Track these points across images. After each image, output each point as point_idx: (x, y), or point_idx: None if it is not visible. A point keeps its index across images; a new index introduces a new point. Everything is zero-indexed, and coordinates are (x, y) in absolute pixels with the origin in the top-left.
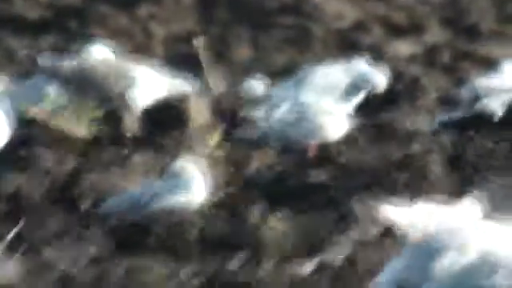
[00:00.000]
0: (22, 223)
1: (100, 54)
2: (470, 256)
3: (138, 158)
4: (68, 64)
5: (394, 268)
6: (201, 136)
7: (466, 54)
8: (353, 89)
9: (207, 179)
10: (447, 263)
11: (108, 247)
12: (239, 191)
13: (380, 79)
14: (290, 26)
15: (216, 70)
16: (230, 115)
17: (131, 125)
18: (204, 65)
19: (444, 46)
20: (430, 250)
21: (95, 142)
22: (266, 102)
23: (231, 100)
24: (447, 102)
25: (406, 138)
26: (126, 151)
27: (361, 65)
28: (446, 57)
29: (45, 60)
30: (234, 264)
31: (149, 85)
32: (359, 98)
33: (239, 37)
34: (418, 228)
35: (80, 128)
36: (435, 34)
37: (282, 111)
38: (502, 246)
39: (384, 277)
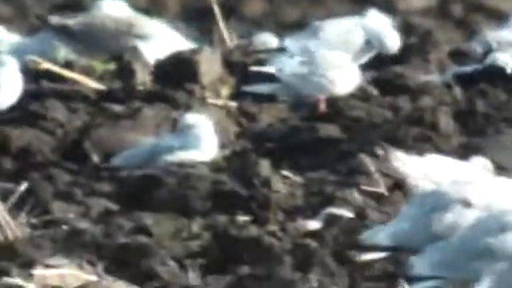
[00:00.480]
0: (31, 178)
1: (112, 8)
2: (477, 211)
3: (149, 112)
4: (78, 21)
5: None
6: (212, 89)
7: (478, 7)
8: (365, 44)
9: (218, 133)
10: (453, 218)
11: (118, 201)
12: (250, 145)
13: (393, 41)
14: None
15: (228, 23)
16: (241, 69)
17: (143, 78)
18: (216, 19)
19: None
20: (437, 203)
21: (106, 97)
22: (277, 55)
23: (243, 54)
24: (459, 55)
25: (417, 92)
26: (137, 104)
27: (374, 23)
28: (457, 10)
29: (55, 18)
30: (243, 218)
31: (161, 38)
32: (370, 53)
33: None
34: (428, 181)
35: (91, 81)
36: None
37: (293, 65)
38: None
39: (386, 231)
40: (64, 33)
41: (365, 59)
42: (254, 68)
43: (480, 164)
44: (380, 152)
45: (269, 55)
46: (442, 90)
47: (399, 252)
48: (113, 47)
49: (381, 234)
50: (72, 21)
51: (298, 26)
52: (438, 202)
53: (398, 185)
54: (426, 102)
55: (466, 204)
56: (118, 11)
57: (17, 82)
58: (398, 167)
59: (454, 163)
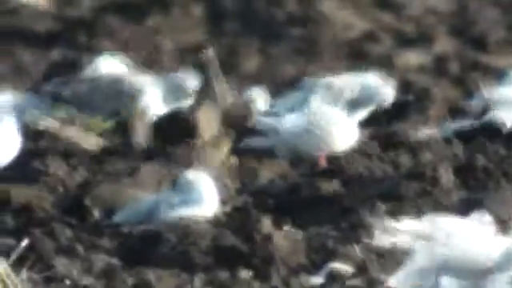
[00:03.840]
0: (32, 235)
1: (109, 66)
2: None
3: (148, 169)
4: (71, 88)
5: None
6: (211, 147)
7: (475, 64)
8: (362, 100)
9: (218, 190)
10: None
11: (119, 258)
12: (250, 201)
13: (388, 93)
14: (298, 37)
15: (225, 80)
16: (239, 126)
17: (141, 136)
18: (213, 76)
19: (453, 56)
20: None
21: (106, 153)
22: (275, 112)
23: (240, 111)
24: (457, 112)
25: (417, 148)
26: (136, 162)
27: (369, 77)
28: (455, 67)
29: (48, 87)
30: (245, 274)
31: (158, 96)
32: (368, 108)
33: (248, 48)
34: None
35: (90, 139)
36: (444, 44)
37: (292, 122)
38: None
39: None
40: (57, 100)
41: (363, 114)
42: (252, 125)
43: (481, 219)
44: (380, 209)
45: (267, 112)
46: (442, 146)
47: None
48: (109, 107)
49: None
50: (64, 89)
51: (295, 82)
52: (439, 262)
53: (400, 241)
54: (426, 157)
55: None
56: (114, 68)
57: (14, 140)
58: (386, 238)
59: (455, 221)
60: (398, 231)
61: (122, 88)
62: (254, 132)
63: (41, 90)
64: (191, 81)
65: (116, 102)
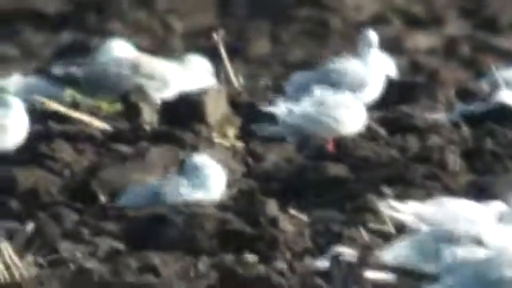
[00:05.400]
0: (38, 218)
1: (119, 49)
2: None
3: (156, 152)
4: (80, 69)
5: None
6: (219, 129)
7: (485, 47)
8: (370, 82)
9: (225, 172)
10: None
11: (124, 241)
12: (257, 184)
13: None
14: (308, 19)
15: (235, 63)
16: (248, 109)
17: (149, 118)
18: (223, 59)
19: (463, 39)
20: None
21: (113, 137)
22: (284, 95)
23: (250, 94)
24: (466, 94)
25: (425, 131)
26: (144, 145)
27: (377, 59)
28: (465, 49)
29: (57, 69)
30: (250, 258)
31: (167, 79)
32: (377, 91)
33: (258, 31)
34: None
35: (97, 123)
36: (454, 27)
37: (301, 105)
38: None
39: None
40: (68, 80)
41: (372, 97)
42: (263, 108)
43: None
44: (387, 191)
45: (275, 95)
46: (450, 129)
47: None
48: (118, 89)
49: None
50: (75, 69)
51: (305, 65)
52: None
53: (405, 224)
54: (434, 140)
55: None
56: (124, 52)
57: (23, 124)
58: (391, 216)
59: (461, 204)
60: (405, 213)
61: (129, 72)
62: (261, 116)
63: (49, 72)
64: (203, 64)
65: (123, 85)
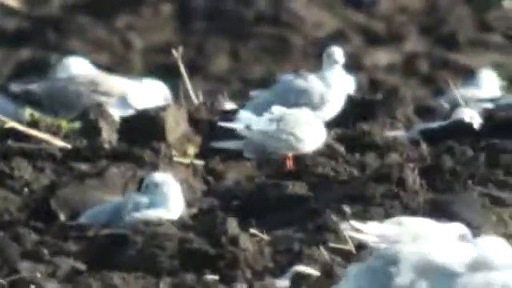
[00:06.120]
0: None
1: (78, 66)
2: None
3: (115, 170)
4: (40, 86)
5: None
6: (179, 147)
7: (445, 63)
8: (331, 100)
9: (185, 191)
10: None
11: (84, 261)
12: (217, 203)
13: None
14: (268, 36)
15: (194, 80)
16: (207, 126)
17: (109, 136)
18: (182, 75)
19: (422, 55)
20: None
21: (72, 155)
22: (243, 112)
23: (209, 111)
24: (425, 111)
25: (384, 149)
26: (103, 163)
27: (338, 76)
28: (424, 66)
29: (16, 86)
30: (211, 277)
31: (126, 96)
32: (337, 108)
33: (217, 47)
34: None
35: (57, 140)
36: (414, 43)
37: (260, 122)
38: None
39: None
40: (25, 99)
41: (331, 114)
42: (222, 124)
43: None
44: (347, 210)
45: (235, 112)
46: (409, 147)
47: None
48: (76, 107)
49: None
50: (34, 86)
51: (264, 82)
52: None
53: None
54: (393, 158)
55: (421, 272)
56: (83, 70)
57: None
58: (351, 236)
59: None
60: (365, 233)
61: (89, 90)
62: (221, 134)
63: (7, 90)
64: (161, 88)
65: (82, 103)
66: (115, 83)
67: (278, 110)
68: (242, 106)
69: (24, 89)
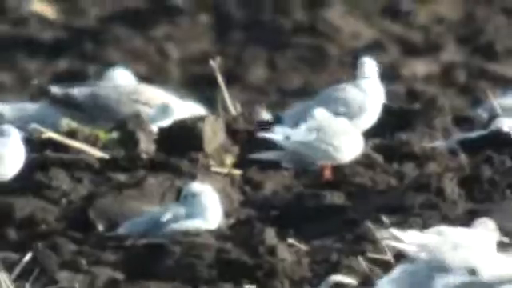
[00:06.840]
0: (36, 248)
1: (117, 77)
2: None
3: (153, 180)
4: (82, 90)
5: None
6: (216, 158)
7: (482, 73)
8: (368, 109)
9: (223, 201)
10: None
11: (122, 271)
12: (255, 213)
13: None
14: (305, 46)
15: (232, 90)
16: (245, 136)
17: (147, 147)
18: (220, 85)
19: (460, 65)
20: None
21: (110, 166)
22: (281, 123)
23: (247, 121)
24: (463, 121)
25: (423, 158)
26: (141, 173)
27: (372, 84)
28: (462, 76)
29: (56, 88)
30: (249, 287)
31: (164, 107)
32: (375, 118)
33: (255, 57)
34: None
35: (95, 150)
36: (451, 53)
37: (300, 132)
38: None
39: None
40: (66, 102)
41: (369, 124)
42: (260, 135)
43: (484, 226)
44: (385, 220)
45: (273, 122)
46: (448, 157)
47: None
48: (117, 116)
49: None
50: (76, 90)
51: (302, 92)
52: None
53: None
54: (432, 168)
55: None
56: (123, 80)
57: (20, 153)
58: (390, 246)
59: (457, 232)
60: (404, 242)
61: (129, 99)
62: (259, 144)
63: (48, 91)
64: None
65: (122, 112)
66: (156, 94)
67: (319, 112)
68: (277, 117)
69: (65, 92)
